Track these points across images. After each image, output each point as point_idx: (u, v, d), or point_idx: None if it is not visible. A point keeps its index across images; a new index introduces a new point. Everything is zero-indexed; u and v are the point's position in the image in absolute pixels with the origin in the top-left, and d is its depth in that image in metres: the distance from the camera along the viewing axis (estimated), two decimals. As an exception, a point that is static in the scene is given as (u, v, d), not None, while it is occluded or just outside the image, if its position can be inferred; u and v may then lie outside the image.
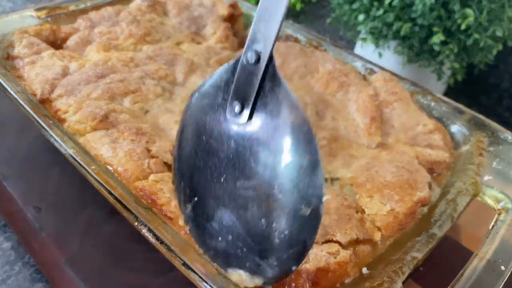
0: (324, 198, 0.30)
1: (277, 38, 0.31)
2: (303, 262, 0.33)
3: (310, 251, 0.36)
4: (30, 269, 0.51)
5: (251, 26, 0.32)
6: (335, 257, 0.37)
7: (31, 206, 0.53)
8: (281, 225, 0.31)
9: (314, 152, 0.30)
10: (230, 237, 0.34)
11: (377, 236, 0.41)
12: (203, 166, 0.34)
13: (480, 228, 0.51)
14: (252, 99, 0.32)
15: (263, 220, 0.32)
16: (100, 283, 0.45)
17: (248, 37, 0.32)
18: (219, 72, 0.34)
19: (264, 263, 0.33)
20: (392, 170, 0.48)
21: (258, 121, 0.32)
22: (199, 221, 0.35)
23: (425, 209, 0.46)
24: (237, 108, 0.33)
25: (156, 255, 0.37)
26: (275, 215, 0.31)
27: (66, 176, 0.57)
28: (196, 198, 0.35)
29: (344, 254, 0.37)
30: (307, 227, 0.31)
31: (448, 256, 0.48)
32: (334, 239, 0.39)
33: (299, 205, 0.30)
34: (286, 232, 0.31)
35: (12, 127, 0.66)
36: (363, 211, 0.44)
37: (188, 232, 0.37)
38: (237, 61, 0.33)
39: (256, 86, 0.32)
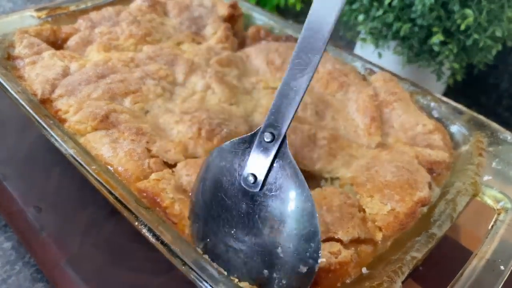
0: (320, 261, 0.34)
1: (291, 123, 0.35)
2: None
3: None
4: (30, 268, 0.51)
5: (270, 109, 0.36)
6: (336, 257, 0.37)
7: (32, 206, 0.53)
8: (280, 277, 0.35)
9: (314, 225, 0.34)
10: (235, 275, 0.37)
11: (378, 236, 0.41)
12: (217, 217, 0.38)
13: (480, 228, 0.52)
14: (264, 173, 0.36)
15: (265, 271, 0.36)
16: (100, 283, 0.45)
17: (266, 119, 0.36)
18: (237, 141, 0.38)
19: None
20: (392, 170, 0.48)
21: (268, 192, 0.36)
22: (210, 257, 0.38)
23: (425, 209, 0.46)
24: (250, 179, 0.37)
25: (156, 255, 0.38)
26: (275, 268, 0.36)
27: (67, 176, 0.57)
28: (208, 240, 0.39)
29: (346, 254, 0.38)
30: (303, 281, 0.35)
31: (448, 255, 0.49)
32: (336, 237, 0.39)
33: (297, 264, 0.35)
34: (284, 282, 0.35)
35: (13, 127, 0.66)
36: (364, 211, 0.44)
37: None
38: (253, 135, 0.37)
39: (269, 162, 0.36)
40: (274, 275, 0.36)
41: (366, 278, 0.38)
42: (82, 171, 0.43)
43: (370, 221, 0.43)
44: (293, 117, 0.35)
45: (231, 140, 0.39)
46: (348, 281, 0.37)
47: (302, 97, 0.34)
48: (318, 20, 0.33)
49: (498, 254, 0.40)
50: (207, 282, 0.34)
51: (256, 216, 0.37)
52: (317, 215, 0.34)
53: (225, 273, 0.36)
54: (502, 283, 0.37)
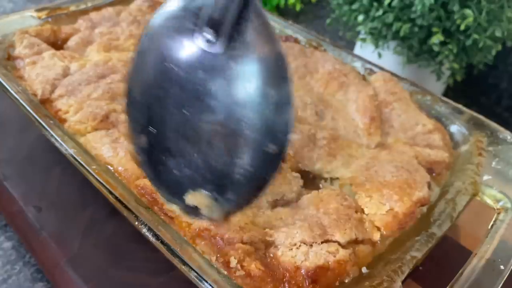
0: (290, 137, 0.29)
1: None
2: (260, 196, 0.33)
3: (310, 249, 0.37)
4: (31, 268, 0.51)
5: None
6: (334, 256, 0.37)
7: (32, 206, 0.53)
8: (244, 162, 0.30)
9: (286, 89, 0.29)
10: (187, 171, 0.32)
11: (376, 236, 0.41)
12: (164, 95, 0.31)
13: (480, 228, 0.52)
14: (229, 27, 0.29)
15: (225, 156, 0.30)
16: (100, 283, 0.45)
17: None
18: None
19: (221, 197, 0.32)
20: (391, 170, 0.48)
21: (232, 52, 0.29)
22: (154, 152, 0.33)
23: (424, 208, 0.46)
24: (210, 37, 0.30)
25: (156, 255, 0.38)
26: (239, 151, 0.30)
27: (67, 176, 0.57)
28: (152, 128, 0.32)
29: (344, 253, 0.38)
30: (270, 163, 0.30)
31: (448, 255, 0.49)
32: (333, 239, 0.39)
33: (265, 142, 0.29)
34: (248, 168, 0.30)
35: (13, 127, 0.66)
36: (362, 211, 0.44)
37: (139, 165, 0.35)
38: None
39: (233, 12, 0.29)
40: (237, 160, 0.30)
41: (366, 277, 0.38)
42: (82, 171, 0.43)
43: (367, 221, 0.43)
44: None
45: None
46: (347, 280, 0.37)
47: None
48: None
49: (498, 253, 0.40)
50: (207, 282, 0.34)
51: (216, 84, 0.30)
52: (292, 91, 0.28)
53: (225, 272, 0.36)
54: (502, 283, 0.37)
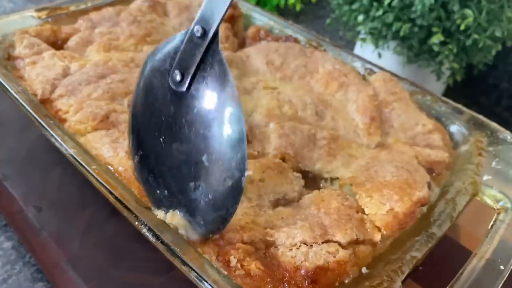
0: (247, 173, 0.33)
1: (223, 19, 0.34)
2: (227, 227, 0.36)
3: (310, 249, 0.37)
4: (31, 268, 0.51)
5: (204, 3, 0.35)
6: (334, 256, 0.37)
7: (32, 206, 0.53)
8: (206, 190, 0.34)
9: (240, 129, 0.33)
10: (166, 192, 0.37)
11: (377, 237, 0.41)
12: (148, 124, 0.38)
13: (480, 228, 0.52)
14: (192, 70, 0.34)
15: (191, 183, 0.35)
16: (100, 283, 0.46)
17: (199, 12, 0.35)
18: (171, 39, 0.37)
19: (193, 220, 0.36)
20: (391, 170, 0.48)
21: (195, 92, 0.35)
22: (143, 172, 0.38)
23: (424, 208, 0.46)
24: (178, 77, 0.35)
25: (156, 255, 0.38)
26: (202, 180, 0.34)
27: (67, 176, 0.57)
28: (141, 152, 0.38)
29: (343, 254, 0.38)
30: (230, 196, 0.34)
31: (448, 255, 0.49)
32: (334, 239, 0.39)
33: (223, 176, 0.33)
34: (210, 197, 0.34)
35: (13, 128, 0.66)
36: (363, 211, 0.44)
37: (135, 178, 0.41)
38: (187, 33, 0.35)
39: (197, 58, 0.34)
40: (201, 188, 0.34)
41: (366, 277, 0.38)
42: (82, 171, 0.43)
43: (368, 221, 0.43)
44: (226, 12, 0.34)
45: (165, 40, 0.37)
46: (347, 280, 0.37)
47: None
48: None
49: (498, 254, 0.40)
50: (207, 282, 0.34)
51: (183, 119, 0.35)
52: (244, 121, 0.33)
53: (225, 272, 0.36)
54: (502, 283, 0.37)
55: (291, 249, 0.37)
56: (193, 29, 0.35)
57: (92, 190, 0.43)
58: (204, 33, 0.34)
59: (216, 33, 0.34)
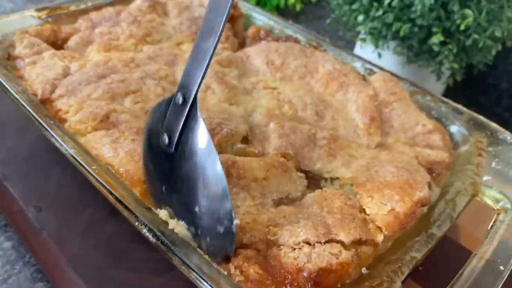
0: (235, 222, 0.36)
1: (200, 85, 0.37)
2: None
3: (312, 250, 0.37)
4: (30, 268, 0.51)
5: (183, 72, 0.38)
6: (337, 258, 0.37)
7: (32, 206, 0.53)
8: (204, 235, 0.37)
9: (222, 187, 0.36)
10: (172, 210, 0.41)
11: (380, 238, 0.41)
12: (152, 175, 0.42)
13: (479, 228, 0.52)
14: (177, 134, 0.39)
15: (192, 228, 0.38)
16: (100, 283, 0.46)
17: (180, 81, 0.39)
18: (161, 103, 0.41)
19: (195, 234, 0.39)
20: (392, 170, 0.48)
21: (182, 153, 0.39)
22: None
23: (425, 209, 0.46)
24: (166, 140, 0.40)
25: (156, 255, 0.38)
26: (199, 226, 0.38)
27: (67, 176, 0.57)
28: (152, 197, 0.43)
29: (346, 255, 0.38)
30: (225, 240, 0.36)
31: (447, 256, 0.49)
32: (337, 239, 0.39)
33: (214, 224, 0.36)
34: (208, 240, 0.37)
35: (13, 127, 0.66)
36: (365, 211, 0.44)
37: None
38: (171, 98, 0.40)
39: (181, 123, 0.38)
40: (199, 232, 0.38)
41: (366, 278, 0.38)
42: (82, 171, 0.43)
43: (371, 222, 0.43)
44: (201, 80, 0.37)
45: (160, 101, 0.41)
46: (348, 281, 0.37)
47: (210, 59, 0.37)
48: None
49: (498, 254, 0.40)
50: (207, 282, 0.34)
51: (176, 174, 0.39)
52: (226, 180, 0.35)
53: (225, 272, 0.36)
54: (502, 283, 0.37)
55: (294, 250, 0.37)
56: (176, 96, 0.39)
57: (92, 190, 0.43)
58: (184, 100, 0.38)
59: (194, 100, 0.38)
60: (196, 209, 0.37)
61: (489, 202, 0.48)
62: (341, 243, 0.39)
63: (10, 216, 0.54)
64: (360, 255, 0.39)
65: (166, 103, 0.41)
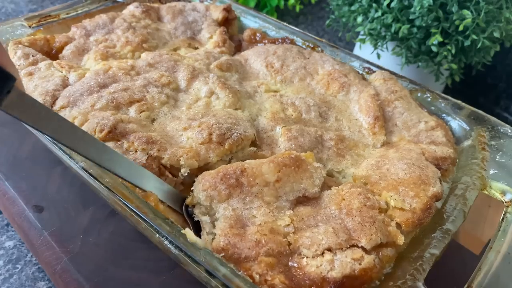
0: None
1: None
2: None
3: (335, 257, 0.36)
4: (32, 267, 0.50)
5: None
6: (360, 263, 0.36)
7: (34, 205, 0.52)
8: None
9: None
10: None
11: (401, 240, 0.40)
12: None
13: (479, 228, 0.53)
14: None
15: None
16: (101, 281, 0.45)
17: None
18: None
19: None
20: (403, 167, 0.48)
21: None
22: None
23: (439, 204, 0.46)
24: None
25: (157, 254, 0.37)
26: None
27: (68, 176, 0.56)
28: None
29: (369, 260, 0.37)
30: None
31: (447, 255, 0.49)
32: (359, 245, 0.38)
33: None
34: None
35: (14, 128, 0.64)
36: (385, 212, 0.44)
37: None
38: None
39: None
40: None
41: (389, 277, 0.38)
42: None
43: (391, 222, 0.42)
44: None
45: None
46: (373, 285, 0.37)
47: None
48: None
49: (512, 246, 0.41)
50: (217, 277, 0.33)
51: None
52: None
53: (251, 280, 0.35)
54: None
55: (316, 257, 0.37)
56: None
57: (93, 190, 0.42)
58: None
59: None
60: None
61: (497, 195, 0.49)
62: (362, 248, 0.38)
63: (11, 215, 0.53)
64: (382, 258, 0.39)
65: None
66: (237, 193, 0.42)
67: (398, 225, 0.42)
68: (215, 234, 0.39)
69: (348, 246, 0.38)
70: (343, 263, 0.36)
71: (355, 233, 0.39)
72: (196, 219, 0.42)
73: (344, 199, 0.43)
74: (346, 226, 0.39)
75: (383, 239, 0.39)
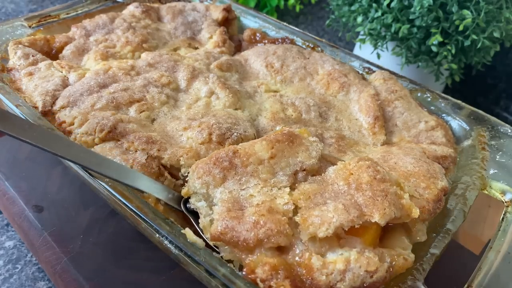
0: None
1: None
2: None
3: (348, 266, 0.34)
4: (32, 267, 0.50)
5: None
6: (371, 276, 0.34)
7: (33, 205, 0.52)
8: None
9: None
10: None
11: (416, 213, 0.38)
12: None
13: (478, 228, 0.53)
14: None
15: None
16: (101, 282, 0.45)
17: None
18: None
19: None
20: (411, 161, 0.48)
21: None
22: None
23: (444, 199, 0.46)
24: None
25: (157, 254, 0.37)
26: None
27: (68, 176, 0.56)
28: None
29: (381, 274, 0.35)
30: None
31: (447, 255, 0.49)
32: (372, 221, 0.35)
33: None
34: None
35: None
36: (398, 184, 0.40)
37: None
38: None
39: None
40: None
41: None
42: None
43: (404, 193, 0.39)
44: None
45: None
46: None
47: None
48: None
49: (513, 246, 0.41)
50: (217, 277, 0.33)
51: None
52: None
53: (233, 266, 0.35)
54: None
55: (327, 266, 0.35)
56: None
57: (93, 190, 0.42)
58: None
59: None
60: None
61: (497, 194, 0.49)
62: (373, 251, 0.36)
63: (11, 215, 0.53)
64: (394, 267, 0.36)
65: None
66: (231, 175, 0.41)
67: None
68: (214, 219, 0.38)
69: (361, 222, 0.35)
70: (355, 276, 0.34)
71: (367, 208, 0.36)
72: (193, 207, 0.41)
73: (352, 174, 0.40)
74: (356, 202, 0.37)
75: (396, 213, 0.37)
